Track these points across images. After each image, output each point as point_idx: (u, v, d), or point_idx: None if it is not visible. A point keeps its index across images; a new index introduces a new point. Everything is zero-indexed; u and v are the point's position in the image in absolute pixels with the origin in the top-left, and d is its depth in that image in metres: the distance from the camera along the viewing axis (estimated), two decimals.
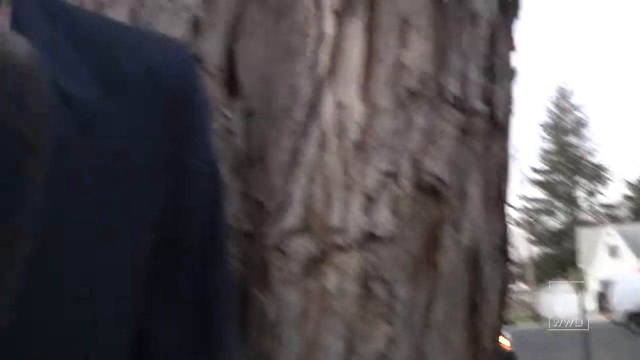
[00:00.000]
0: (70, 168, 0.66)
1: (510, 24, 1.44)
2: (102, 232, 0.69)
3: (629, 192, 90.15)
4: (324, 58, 1.31)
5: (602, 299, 46.23)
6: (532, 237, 79.10)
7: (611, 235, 74.73)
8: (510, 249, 1.49)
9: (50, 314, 0.67)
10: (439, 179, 1.32)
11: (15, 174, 0.57)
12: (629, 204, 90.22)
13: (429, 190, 1.31)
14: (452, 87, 1.34)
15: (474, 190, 1.36)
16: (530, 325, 56.65)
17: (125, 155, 0.71)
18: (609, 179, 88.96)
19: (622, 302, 41.67)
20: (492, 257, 1.42)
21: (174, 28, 1.23)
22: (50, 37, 0.70)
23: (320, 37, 1.32)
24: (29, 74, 0.55)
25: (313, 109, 1.31)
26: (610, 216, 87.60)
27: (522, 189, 68.55)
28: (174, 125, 0.75)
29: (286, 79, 1.32)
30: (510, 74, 1.45)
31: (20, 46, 0.55)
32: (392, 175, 1.30)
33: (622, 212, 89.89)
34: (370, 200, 1.29)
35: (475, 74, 1.37)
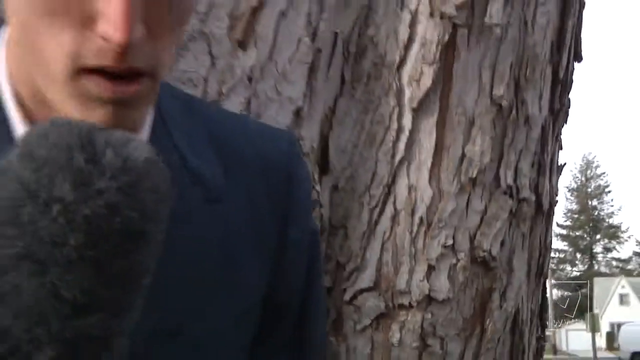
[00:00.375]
0: (199, 232, 0.70)
1: (559, 127, 1.47)
2: (217, 285, 0.71)
3: (638, 249, 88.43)
4: (401, 147, 1.36)
5: (611, 338, 45.13)
6: (554, 282, 77.69)
7: (622, 285, 73.28)
8: (547, 315, 1.52)
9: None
10: (491, 254, 1.35)
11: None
12: (638, 259, 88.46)
13: (482, 263, 1.35)
14: (507, 178, 1.37)
15: (519, 265, 1.39)
16: (550, 356, 55.44)
17: (245, 221, 0.74)
18: (623, 237, 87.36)
19: (627, 342, 40.79)
20: (531, 322, 1.45)
21: (280, 116, 1.28)
22: (189, 130, 0.75)
23: (400, 129, 1.36)
24: (145, 172, 0.55)
25: (389, 189, 1.35)
26: (622, 269, 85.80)
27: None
28: (278, 197, 0.77)
29: (368, 162, 1.36)
30: (556, 169, 1.48)
31: (140, 150, 0.56)
32: (451, 249, 1.33)
33: (632, 266, 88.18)
34: (431, 269, 1.32)
35: (526, 168, 1.40)
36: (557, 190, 1.50)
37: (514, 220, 1.38)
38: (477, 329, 1.34)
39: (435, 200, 1.34)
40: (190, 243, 0.69)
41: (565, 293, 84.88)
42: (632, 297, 72.22)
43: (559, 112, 1.45)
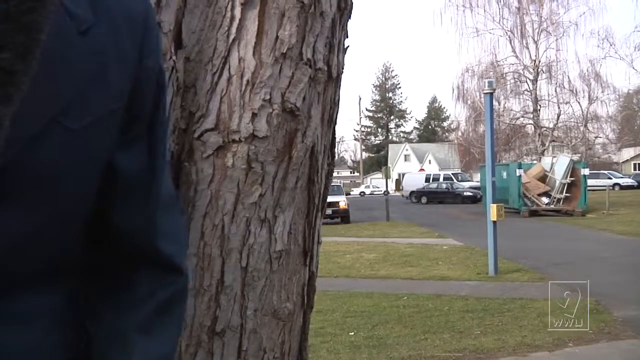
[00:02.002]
0: (70, 56, 0.63)
1: (345, 20, 1.40)
2: (90, 85, 0.65)
3: (417, 125, 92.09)
4: (234, 30, 1.26)
5: (398, 183, 47.44)
6: (363, 147, 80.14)
7: (406, 149, 76.43)
8: (334, 150, 1.49)
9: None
10: (296, 106, 1.29)
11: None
12: (417, 131, 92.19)
13: (289, 112, 1.29)
14: (307, 53, 1.30)
15: (315, 114, 1.35)
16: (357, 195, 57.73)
17: (111, 47, 0.67)
18: (408, 117, 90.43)
19: (407, 185, 43.01)
20: (324, 153, 1.41)
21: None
22: None
23: (232, 18, 1.26)
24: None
25: (225, 60, 1.26)
26: (407, 138, 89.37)
27: (360, 120, 68.82)
28: (137, 36, 0.71)
29: (211, 41, 1.26)
30: (342, 49, 1.42)
31: None
32: (269, 102, 1.27)
33: (413, 136, 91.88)
34: (255, 115, 1.26)
35: (321, 47, 1.33)
36: (343, 64, 1.43)
37: (312, 83, 1.32)
38: (286, 157, 1.30)
39: (258, 68, 1.26)
40: (66, 60, 0.63)
41: (371, 155, 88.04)
42: (412, 157, 75.72)
43: (344, 9, 1.38)
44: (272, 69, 1.26)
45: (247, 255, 1.27)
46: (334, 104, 1.43)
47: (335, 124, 1.47)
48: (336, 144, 1.52)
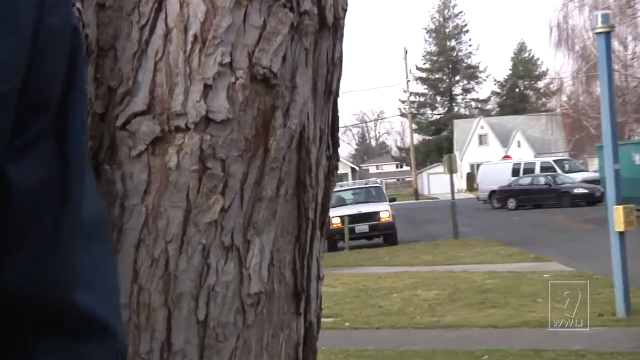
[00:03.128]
0: None
1: None
2: None
3: (497, 89, 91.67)
4: None
5: (471, 179, 47.36)
6: (415, 127, 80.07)
7: (481, 126, 76.24)
8: (338, 134, 1.50)
9: None
10: (272, 71, 1.30)
11: None
12: (497, 99, 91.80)
13: (262, 81, 1.30)
14: None
15: (303, 82, 1.35)
16: (412, 201, 57.77)
17: None
18: (481, 77, 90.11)
19: (485, 182, 42.83)
20: (320, 141, 1.42)
21: None
22: None
23: None
24: None
25: (159, 5, 1.27)
26: (482, 109, 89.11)
27: (408, 85, 68.78)
28: None
29: None
30: None
31: None
32: (229, 67, 1.27)
33: (491, 105, 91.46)
34: (208, 88, 1.27)
35: None
36: (346, 3, 1.43)
37: (295, 35, 1.33)
38: (261, 149, 1.31)
39: (210, 15, 1.27)
40: None
41: (426, 137, 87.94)
42: (491, 138, 75.48)
43: None
44: (231, 15, 1.27)
45: (207, 304, 1.28)
46: (334, 65, 1.43)
47: (337, 95, 1.48)
48: (340, 125, 1.53)
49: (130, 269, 1.26)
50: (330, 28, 1.39)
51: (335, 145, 1.49)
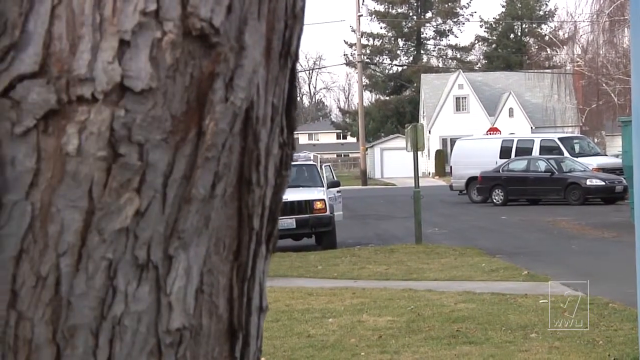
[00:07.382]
0: None
1: None
2: None
3: (484, 33, 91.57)
4: None
5: (441, 159, 47.49)
6: (367, 82, 79.75)
7: (459, 84, 76.34)
8: (294, 113, 1.53)
9: None
10: (212, 25, 1.32)
11: None
12: (483, 47, 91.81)
13: (199, 38, 1.32)
14: None
15: (254, 41, 1.38)
16: (358, 187, 57.73)
17: None
18: (462, 16, 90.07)
19: (461, 164, 42.61)
20: (272, 122, 1.44)
21: None
22: None
23: None
24: None
25: None
26: (461, 61, 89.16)
27: (359, 23, 68.54)
28: None
29: None
30: None
31: None
32: (154, 17, 1.30)
33: (474, 57, 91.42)
34: (125, 45, 1.29)
35: None
36: None
37: None
38: (193, 132, 1.33)
39: None
40: None
41: (382, 98, 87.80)
42: (472, 101, 75.55)
43: None
44: None
45: (110, 341, 1.30)
46: (294, 17, 1.47)
47: (297, 58, 1.51)
48: (299, 92, 1.57)
49: (6, 289, 1.27)
50: None
51: (291, 127, 1.51)
